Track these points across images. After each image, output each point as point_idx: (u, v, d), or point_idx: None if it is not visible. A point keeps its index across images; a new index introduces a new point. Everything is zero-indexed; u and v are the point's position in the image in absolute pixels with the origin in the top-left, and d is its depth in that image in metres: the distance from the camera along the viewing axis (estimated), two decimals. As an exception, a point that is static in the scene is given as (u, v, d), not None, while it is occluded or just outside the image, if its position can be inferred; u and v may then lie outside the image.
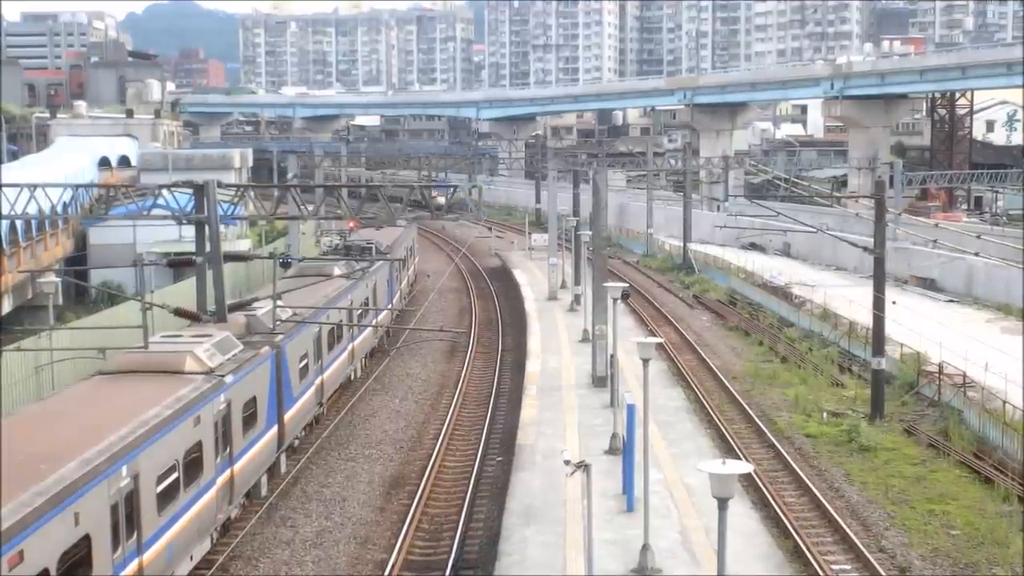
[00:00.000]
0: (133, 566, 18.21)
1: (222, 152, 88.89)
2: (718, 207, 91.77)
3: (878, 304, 36.68)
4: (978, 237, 48.48)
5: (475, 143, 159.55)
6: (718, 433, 33.83)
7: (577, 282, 51.89)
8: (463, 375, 42.89)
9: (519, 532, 22.94)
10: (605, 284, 32.42)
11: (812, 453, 32.76)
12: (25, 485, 15.43)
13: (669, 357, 43.85)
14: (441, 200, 57.23)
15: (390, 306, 48.37)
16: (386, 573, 23.43)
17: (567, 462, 18.35)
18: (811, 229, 56.54)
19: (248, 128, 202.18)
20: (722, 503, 13.84)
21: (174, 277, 47.67)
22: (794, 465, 30.79)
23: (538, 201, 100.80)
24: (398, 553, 24.37)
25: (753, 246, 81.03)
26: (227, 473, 23.59)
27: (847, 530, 25.70)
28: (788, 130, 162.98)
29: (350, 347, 38.49)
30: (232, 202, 41.90)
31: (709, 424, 34.48)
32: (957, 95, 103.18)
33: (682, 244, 75.36)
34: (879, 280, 36.75)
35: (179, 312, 30.33)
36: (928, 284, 63.31)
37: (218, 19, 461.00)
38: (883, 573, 23.34)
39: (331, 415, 36.20)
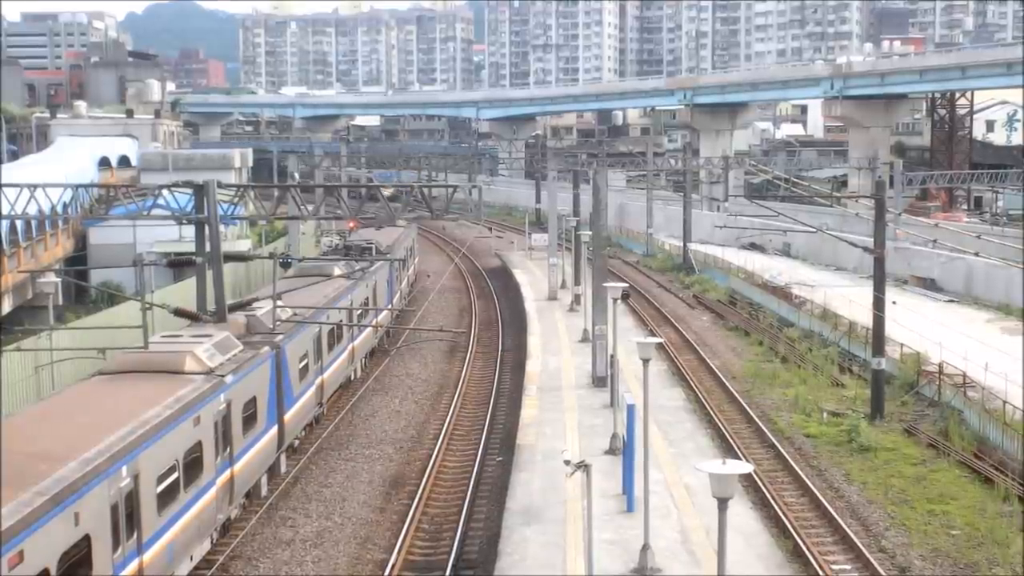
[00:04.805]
0: (133, 566, 18.21)
1: (222, 152, 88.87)
2: (718, 207, 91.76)
3: (878, 304, 36.69)
4: (978, 237, 48.47)
5: (475, 143, 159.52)
6: (718, 433, 33.84)
7: (577, 282, 51.91)
8: (463, 375, 42.90)
9: (519, 532, 22.94)
10: (605, 284, 32.41)
11: (812, 453, 32.77)
12: (25, 485, 15.42)
13: (669, 357, 43.86)
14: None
15: (390, 306, 48.39)
16: (386, 573, 23.44)
17: (567, 462, 18.35)
18: (811, 229, 56.56)
19: (248, 128, 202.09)
20: (722, 503, 13.84)
21: (174, 277, 47.68)
22: (794, 465, 30.80)
23: (538, 201, 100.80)
24: (398, 553, 24.38)
25: (753, 246, 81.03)
26: (227, 473, 23.59)
27: (847, 530, 25.71)
28: (788, 130, 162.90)
29: (350, 347, 38.50)
30: (232, 202, 41.93)
31: (709, 424, 34.49)
32: (957, 95, 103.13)
33: (682, 244, 75.37)
34: (879, 280, 36.75)
35: (179, 312, 30.33)
36: (928, 284, 63.31)
37: (218, 19, 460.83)
38: (883, 573, 23.35)
39: (331, 415, 36.21)
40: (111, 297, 45.18)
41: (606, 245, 43.02)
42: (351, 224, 61.04)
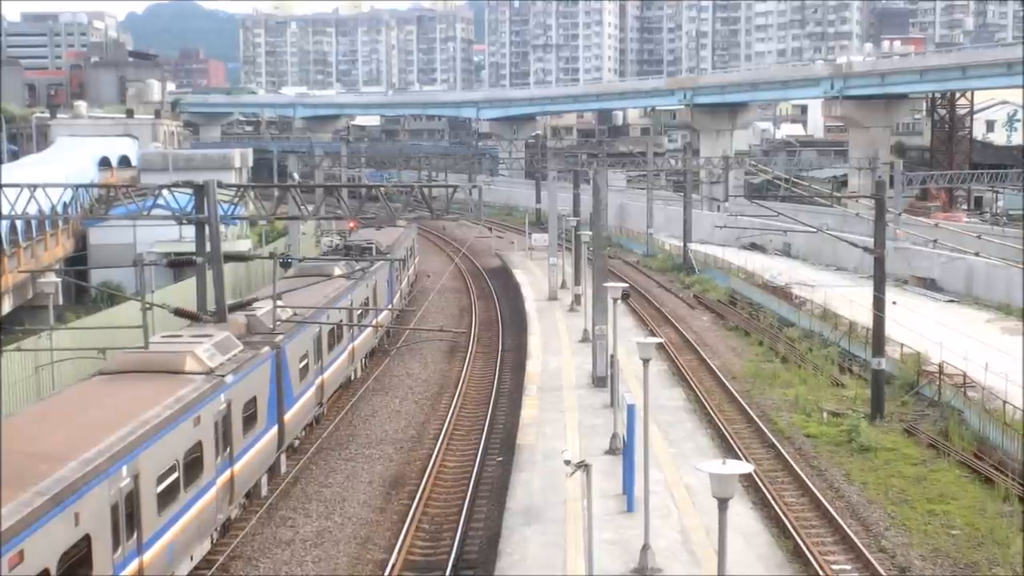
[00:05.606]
0: (133, 566, 18.20)
1: (222, 152, 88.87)
2: (718, 207, 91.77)
3: (878, 304, 36.69)
4: (978, 237, 48.48)
5: (475, 143, 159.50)
6: (718, 433, 33.83)
7: (577, 282, 51.90)
8: (463, 375, 42.90)
9: (519, 532, 22.94)
10: (605, 284, 32.41)
11: (812, 453, 32.77)
12: (25, 485, 15.42)
13: (669, 357, 43.86)
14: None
15: (390, 306, 48.39)
16: (386, 573, 23.44)
17: (567, 462, 18.35)
18: (811, 229, 56.55)
19: (248, 128, 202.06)
20: (722, 503, 13.84)
21: (174, 277, 47.68)
22: (794, 465, 30.79)
23: (538, 201, 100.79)
24: (398, 553, 24.37)
25: (753, 246, 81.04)
26: (227, 473, 23.59)
27: (847, 530, 25.71)
28: (788, 130, 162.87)
29: (350, 347, 38.49)
30: (232, 202, 41.91)
31: (709, 424, 34.48)
32: (957, 95, 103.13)
33: (682, 244, 75.37)
34: (879, 280, 36.75)
35: (179, 312, 30.33)
36: (928, 284, 63.31)
37: (218, 19, 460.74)
38: (883, 573, 23.35)
39: (331, 415, 36.21)
40: (111, 297, 45.17)
41: (606, 245, 43.00)
42: (351, 224, 61.04)
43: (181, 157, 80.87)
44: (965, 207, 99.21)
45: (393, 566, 23.68)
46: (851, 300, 49.73)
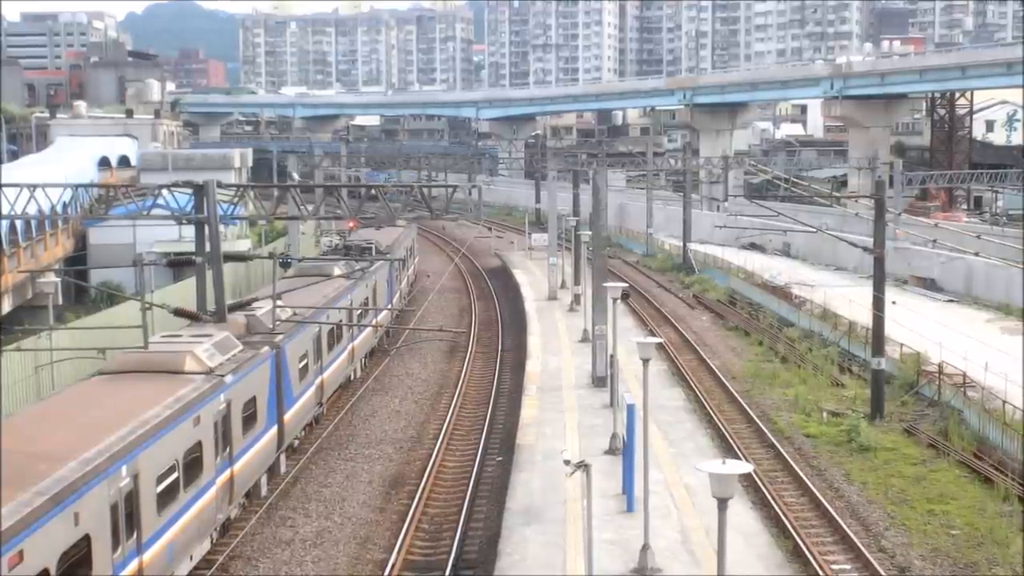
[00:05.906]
0: (133, 566, 18.21)
1: (222, 152, 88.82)
2: (718, 207, 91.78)
3: (878, 304, 36.69)
4: (978, 237, 48.45)
5: (475, 143, 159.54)
6: (718, 433, 33.83)
7: (577, 282, 51.91)
8: (463, 375, 42.90)
9: (519, 532, 22.94)
10: (605, 284, 32.41)
11: (812, 453, 32.77)
12: (25, 485, 15.42)
13: (669, 357, 43.85)
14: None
15: (390, 306, 48.38)
16: (386, 573, 23.44)
17: (567, 462, 18.35)
18: (811, 229, 56.55)
19: (248, 128, 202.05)
20: (722, 503, 13.84)
21: (174, 277, 47.68)
22: (794, 465, 30.79)
23: (538, 201, 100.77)
24: (398, 553, 24.37)
25: (753, 246, 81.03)
26: (227, 473, 23.59)
27: (847, 530, 25.71)
28: (788, 130, 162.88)
29: (350, 347, 38.49)
30: (232, 202, 41.88)
31: (709, 424, 34.48)
32: (957, 95, 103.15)
33: (682, 244, 75.38)
34: (879, 280, 36.75)
35: (179, 312, 30.33)
36: (928, 284, 63.30)
37: (218, 19, 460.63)
38: (883, 573, 23.35)
39: (331, 415, 36.21)
40: (111, 297, 45.18)
41: (606, 245, 43.01)
42: (351, 224, 61.05)
43: (181, 157, 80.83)
44: (965, 207, 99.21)
45: (393, 566, 23.68)
46: (851, 300, 49.71)
